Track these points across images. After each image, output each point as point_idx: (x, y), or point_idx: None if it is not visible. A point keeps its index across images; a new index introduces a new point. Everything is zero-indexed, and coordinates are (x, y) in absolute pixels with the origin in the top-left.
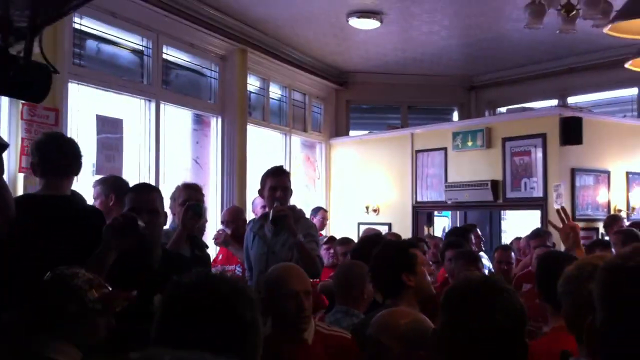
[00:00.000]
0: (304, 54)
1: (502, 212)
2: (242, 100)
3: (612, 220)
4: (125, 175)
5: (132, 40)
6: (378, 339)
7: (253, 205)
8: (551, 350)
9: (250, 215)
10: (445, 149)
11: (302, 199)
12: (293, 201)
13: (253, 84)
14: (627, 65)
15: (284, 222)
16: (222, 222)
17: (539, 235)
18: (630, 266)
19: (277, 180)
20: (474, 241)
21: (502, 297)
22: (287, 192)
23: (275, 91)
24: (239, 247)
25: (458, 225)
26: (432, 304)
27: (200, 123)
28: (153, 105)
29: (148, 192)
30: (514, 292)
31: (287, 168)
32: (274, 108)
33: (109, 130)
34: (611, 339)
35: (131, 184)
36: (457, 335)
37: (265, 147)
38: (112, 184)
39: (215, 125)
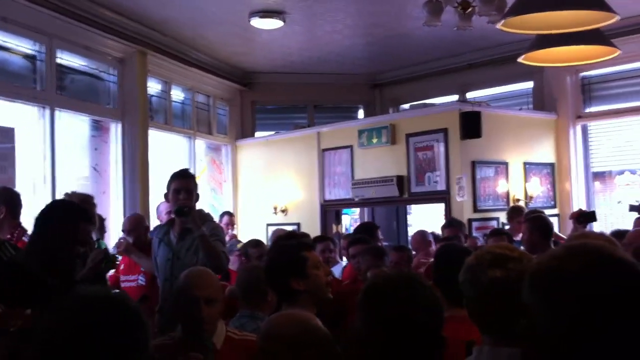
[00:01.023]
0: (207, 55)
1: (408, 206)
2: (143, 104)
3: (514, 211)
4: (18, 187)
5: (24, 45)
6: (263, 347)
7: (158, 212)
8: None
9: (155, 222)
10: (351, 146)
11: (209, 202)
12: (200, 205)
13: (154, 87)
14: (519, 60)
15: (187, 215)
16: (123, 231)
17: (452, 225)
18: (569, 269)
19: (180, 183)
20: (380, 237)
21: (421, 291)
22: (192, 195)
23: (177, 94)
24: (142, 255)
25: (361, 223)
26: (331, 306)
27: (99, 129)
28: (47, 112)
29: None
30: (431, 287)
31: (192, 172)
32: (177, 111)
33: (0, 140)
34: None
35: (25, 196)
36: (377, 331)
37: (169, 152)
38: (2, 196)
39: (115, 130)
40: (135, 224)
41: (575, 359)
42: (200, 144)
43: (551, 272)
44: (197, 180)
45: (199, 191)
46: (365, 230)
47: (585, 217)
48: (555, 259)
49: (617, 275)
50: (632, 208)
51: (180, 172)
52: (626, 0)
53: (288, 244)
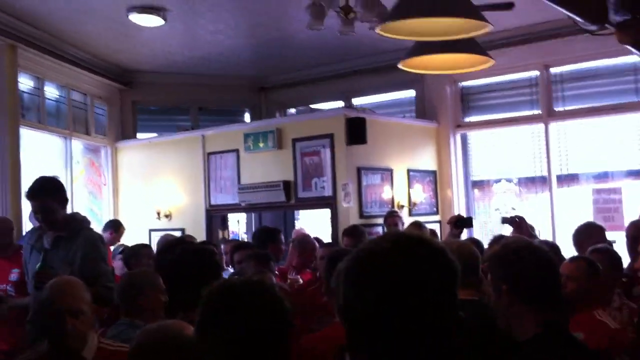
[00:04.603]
0: (84, 51)
1: (295, 212)
2: (12, 101)
3: (389, 215)
4: None
5: None
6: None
7: (30, 216)
8: (325, 344)
9: (28, 226)
10: (237, 150)
11: (88, 206)
12: (77, 209)
13: (26, 83)
14: (399, 66)
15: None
16: None
17: (352, 235)
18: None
19: (32, 205)
20: (283, 241)
21: (262, 298)
22: (49, 213)
23: (51, 91)
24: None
25: (260, 227)
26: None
27: None
28: None
29: None
30: (277, 293)
31: (66, 175)
32: (51, 109)
33: None
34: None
35: None
36: (216, 336)
37: (43, 152)
38: None
39: None
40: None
41: (382, 337)
42: (77, 144)
43: (364, 254)
44: (75, 182)
45: (78, 194)
46: (266, 235)
47: (462, 222)
48: (370, 243)
49: (426, 260)
50: (505, 220)
51: (27, 192)
52: (502, 14)
53: (199, 248)
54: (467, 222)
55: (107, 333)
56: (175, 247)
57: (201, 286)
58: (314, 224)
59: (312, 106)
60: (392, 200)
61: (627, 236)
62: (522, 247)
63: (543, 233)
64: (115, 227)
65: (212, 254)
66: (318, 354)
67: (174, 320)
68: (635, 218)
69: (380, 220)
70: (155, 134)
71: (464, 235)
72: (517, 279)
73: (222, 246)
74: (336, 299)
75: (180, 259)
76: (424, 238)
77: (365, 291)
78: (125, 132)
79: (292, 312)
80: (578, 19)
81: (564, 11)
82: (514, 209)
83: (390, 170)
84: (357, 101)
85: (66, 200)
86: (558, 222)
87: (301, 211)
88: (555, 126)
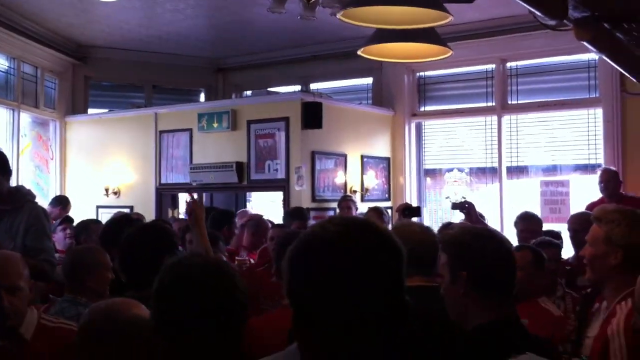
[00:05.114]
0: (37, 23)
1: (247, 193)
2: None
3: (343, 199)
4: None
5: None
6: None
7: None
8: (276, 326)
9: None
10: (190, 130)
11: (34, 180)
12: (23, 182)
13: None
14: (359, 52)
15: None
16: None
17: (297, 217)
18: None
19: None
20: (237, 225)
21: (218, 276)
22: None
23: (1, 62)
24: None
25: (212, 207)
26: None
27: None
28: None
29: None
30: (233, 272)
31: (12, 147)
32: (0, 81)
33: None
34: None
35: None
36: (170, 314)
37: None
38: None
39: None
40: None
41: (328, 322)
42: (25, 117)
43: (311, 238)
44: (21, 156)
45: (24, 168)
46: (222, 217)
47: (410, 211)
48: (316, 226)
49: (371, 245)
50: (455, 206)
51: None
52: (462, 7)
53: (158, 226)
54: (415, 212)
55: (50, 310)
56: (121, 223)
57: (157, 265)
58: (266, 206)
59: (269, 89)
60: (345, 185)
61: (569, 229)
62: (483, 234)
63: (491, 223)
64: (63, 203)
65: (171, 232)
66: (268, 335)
67: (124, 299)
68: (581, 210)
69: (332, 205)
70: (107, 110)
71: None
72: (478, 266)
73: (173, 225)
74: (284, 283)
75: (138, 236)
76: (369, 222)
77: (311, 276)
78: (76, 107)
79: (246, 292)
80: (538, 13)
81: (526, 5)
82: (464, 197)
83: (345, 156)
84: (314, 86)
85: (9, 172)
86: (506, 213)
87: (253, 193)
88: (507, 119)
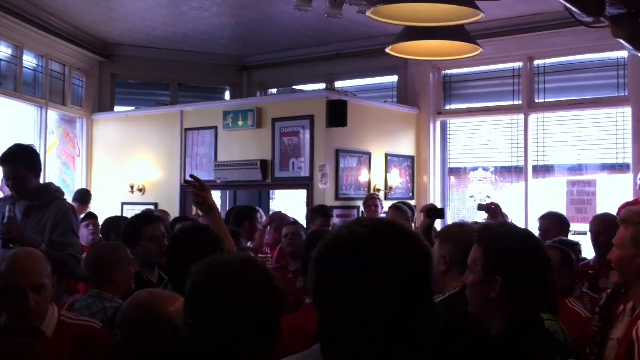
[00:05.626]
0: (64, 21)
1: (271, 191)
2: None
3: (369, 197)
4: None
5: None
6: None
7: (1, 184)
8: (300, 327)
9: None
10: (215, 128)
11: (60, 177)
12: (50, 179)
13: (4, 51)
14: (387, 50)
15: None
16: None
17: (321, 214)
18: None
19: (4, 171)
20: (260, 220)
21: (256, 276)
22: (19, 180)
23: (30, 60)
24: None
25: (236, 205)
26: None
27: None
28: None
29: None
30: (270, 271)
31: (40, 145)
32: (29, 79)
33: None
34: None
35: None
36: (203, 314)
37: (18, 121)
38: None
39: None
40: None
41: (355, 325)
42: (53, 115)
43: (337, 240)
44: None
45: (52, 165)
46: (244, 213)
47: (434, 213)
48: (343, 228)
49: (398, 247)
50: (481, 207)
51: (0, 157)
52: (489, 4)
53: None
54: (439, 213)
55: (75, 305)
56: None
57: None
58: (289, 204)
59: (294, 87)
60: (369, 183)
61: (591, 230)
62: (523, 240)
63: (517, 223)
64: (83, 199)
65: (215, 234)
66: (291, 334)
67: (165, 291)
68: (603, 212)
69: (356, 203)
70: (133, 108)
71: (437, 225)
72: (515, 274)
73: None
74: (309, 285)
75: (184, 236)
76: (397, 224)
77: (338, 278)
78: (103, 105)
79: (284, 292)
80: (575, 10)
81: (562, 2)
82: (489, 197)
83: (369, 154)
84: (339, 84)
85: (40, 169)
86: (532, 213)
87: (277, 191)
88: (534, 117)
